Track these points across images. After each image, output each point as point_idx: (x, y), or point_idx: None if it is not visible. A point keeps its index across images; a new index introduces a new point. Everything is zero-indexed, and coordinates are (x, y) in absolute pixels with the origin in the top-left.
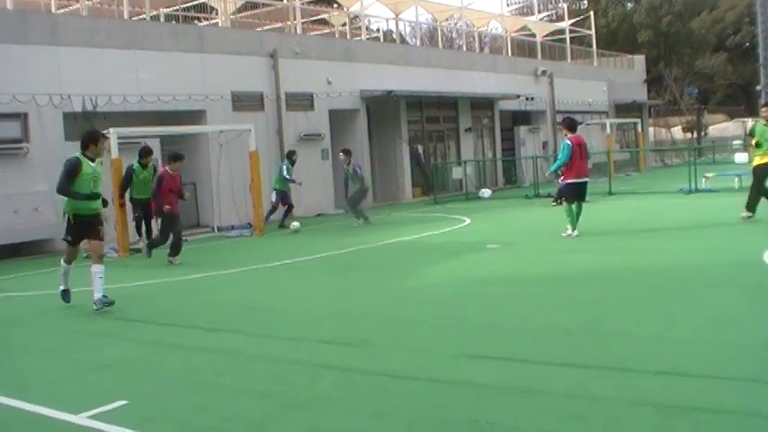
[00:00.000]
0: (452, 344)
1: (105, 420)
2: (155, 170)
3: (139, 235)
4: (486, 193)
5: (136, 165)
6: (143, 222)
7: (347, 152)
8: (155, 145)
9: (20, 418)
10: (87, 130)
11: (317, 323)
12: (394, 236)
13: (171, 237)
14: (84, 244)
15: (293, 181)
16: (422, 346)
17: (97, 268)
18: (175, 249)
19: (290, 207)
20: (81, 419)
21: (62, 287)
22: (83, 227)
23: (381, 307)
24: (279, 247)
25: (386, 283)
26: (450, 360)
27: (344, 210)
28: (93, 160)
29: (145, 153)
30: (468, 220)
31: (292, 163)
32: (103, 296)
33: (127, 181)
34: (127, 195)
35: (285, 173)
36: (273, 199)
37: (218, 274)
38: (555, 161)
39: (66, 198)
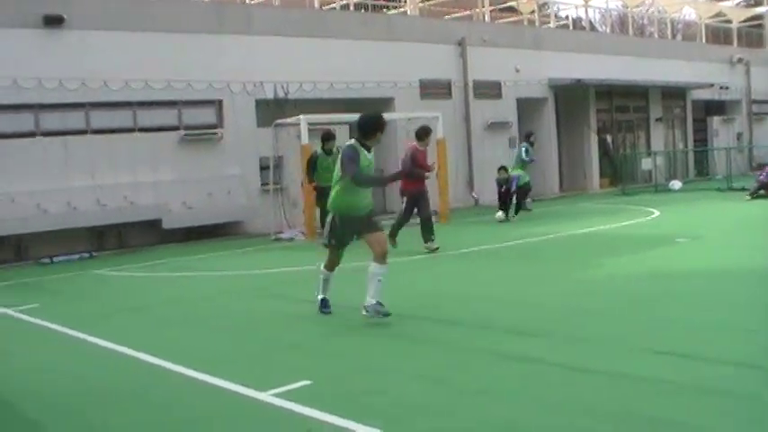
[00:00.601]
0: (635, 338)
1: (289, 399)
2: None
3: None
4: (676, 185)
5: (320, 150)
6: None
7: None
8: (343, 133)
9: (208, 392)
10: (369, 114)
11: (500, 311)
12: (581, 226)
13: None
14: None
15: (532, 160)
16: (604, 338)
17: (378, 269)
18: (428, 231)
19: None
20: (266, 396)
21: (320, 295)
22: (353, 227)
23: (565, 297)
24: (464, 235)
25: (571, 273)
26: (631, 354)
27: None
28: (369, 150)
29: (327, 137)
30: (656, 213)
31: (531, 144)
32: (378, 303)
33: (311, 166)
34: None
35: (524, 155)
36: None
37: (402, 261)
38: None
39: (332, 192)
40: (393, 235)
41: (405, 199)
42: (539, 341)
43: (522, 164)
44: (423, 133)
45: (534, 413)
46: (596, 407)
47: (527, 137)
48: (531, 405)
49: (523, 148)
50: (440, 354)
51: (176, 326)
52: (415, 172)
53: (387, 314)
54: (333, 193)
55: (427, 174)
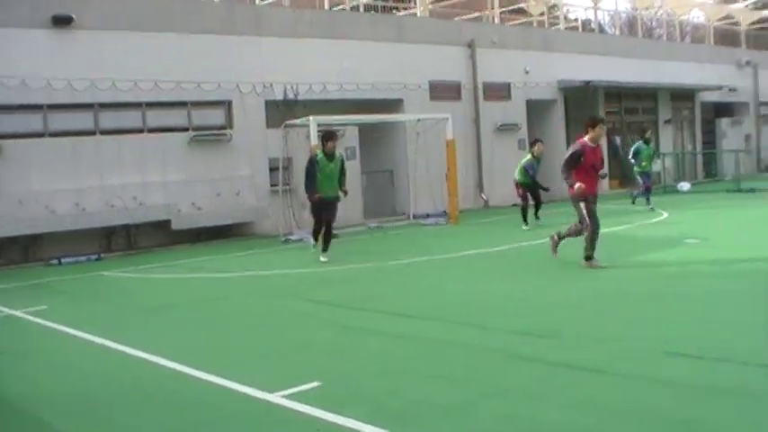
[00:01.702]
0: (647, 338)
1: (299, 400)
2: (342, 163)
3: (316, 240)
4: (684, 186)
5: (319, 154)
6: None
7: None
8: (353, 134)
9: (217, 394)
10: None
11: (510, 313)
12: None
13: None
14: None
15: (640, 161)
16: (616, 339)
17: None
18: (592, 242)
19: (649, 189)
20: (276, 398)
21: None
22: None
23: (576, 298)
24: (474, 236)
25: (581, 274)
26: (644, 355)
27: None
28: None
29: (328, 137)
30: (665, 214)
31: (646, 141)
32: None
33: (309, 175)
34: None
35: (631, 156)
36: (641, 182)
37: (412, 262)
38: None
39: None
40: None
41: (581, 205)
42: (553, 342)
43: (641, 164)
44: (588, 123)
45: (552, 414)
46: (610, 407)
47: (642, 133)
48: (548, 406)
49: (632, 148)
50: (451, 354)
51: (186, 327)
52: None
53: None
54: None
55: (602, 173)
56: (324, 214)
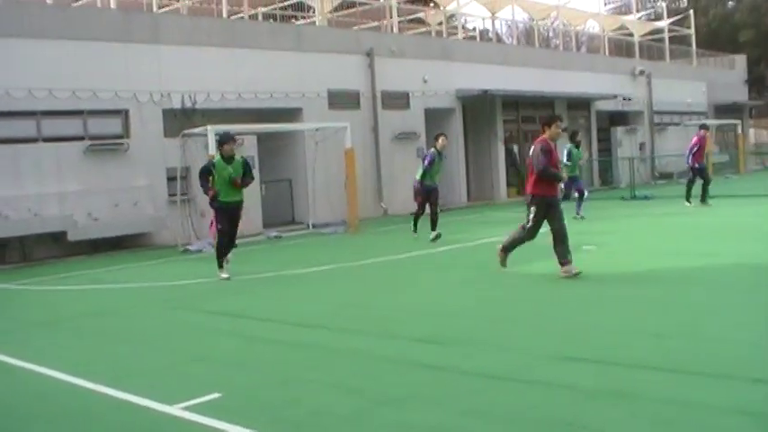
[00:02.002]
0: (546, 345)
1: (199, 412)
2: (245, 166)
3: (220, 258)
4: None
5: (217, 158)
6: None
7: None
8: (252, 143)
9: (117, 407)
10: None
11: (410, 320)
12: (488, 235)
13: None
14: None
15: (571, 163)
16: (516, 346)
17: None
18: (565, 248)
19: (582, 193)
20: (176, 410)
21: None
22: None
23: (476, 305)
24: (374, 245)
25: (481, 281)
26: (543, 361)
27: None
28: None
29: (224, 140)
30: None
31: (576, 145)
32: None
33: (204, 177)
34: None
35: (566, 159)
36: (562, 187)
37: (312, 271)
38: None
39: None
40: (507, 250)
41: (533, 209)
42: (452, 349)
43: (571, 168)
44: (545, 123)
45: (448, 419)
46: (511, 413)
47: (572, 137)
48: (447, 413)
49: (566, 150)
50: (351, 363)
51: (84, 340)
52: (551, 173)
53: None
54: None
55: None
56: (227, 224)
